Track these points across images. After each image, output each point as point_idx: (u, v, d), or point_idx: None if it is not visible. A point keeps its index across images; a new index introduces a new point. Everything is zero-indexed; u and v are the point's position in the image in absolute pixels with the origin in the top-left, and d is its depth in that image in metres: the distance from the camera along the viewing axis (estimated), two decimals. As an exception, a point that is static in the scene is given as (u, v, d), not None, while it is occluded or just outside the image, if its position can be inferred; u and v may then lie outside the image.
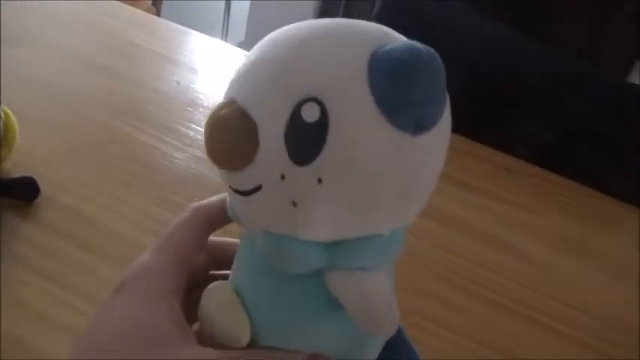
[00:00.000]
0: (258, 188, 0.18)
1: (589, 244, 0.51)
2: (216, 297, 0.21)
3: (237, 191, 0.19)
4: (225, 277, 0.23)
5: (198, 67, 0.66)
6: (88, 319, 0.33)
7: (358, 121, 0.17)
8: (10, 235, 0.38)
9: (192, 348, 0.19)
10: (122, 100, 0.56)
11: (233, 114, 0.18)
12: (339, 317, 0.19)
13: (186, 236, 0.22)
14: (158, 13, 2.05)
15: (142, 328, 0.20)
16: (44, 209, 0.40)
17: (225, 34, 2.23)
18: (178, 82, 0.61)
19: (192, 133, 0.53)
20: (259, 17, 1.74)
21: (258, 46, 0.20)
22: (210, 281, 0.22)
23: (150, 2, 2.04)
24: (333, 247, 0.19)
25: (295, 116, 0.17)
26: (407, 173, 0.18)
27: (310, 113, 0.17)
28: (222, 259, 0.24)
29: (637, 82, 0.72)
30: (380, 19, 0.77)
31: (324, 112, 0.17)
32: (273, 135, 0.17)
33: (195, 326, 0.22)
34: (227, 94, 0.19)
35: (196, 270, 0.23)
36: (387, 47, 0.17)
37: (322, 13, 1.61)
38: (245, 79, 0.19)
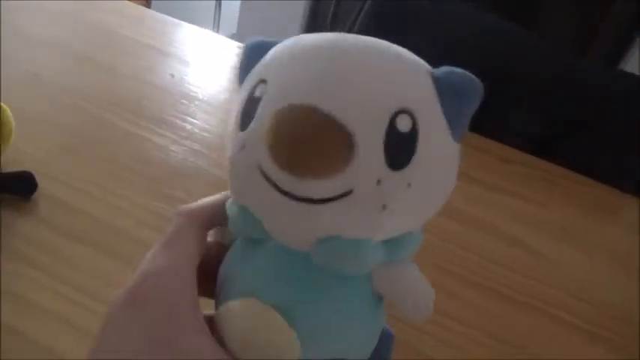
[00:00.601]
0: (345, 194, 0.18)
1: (588, 234, 0.51)
2: (255, 316, 0.20)
3: (307, 200, 0.18)
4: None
5: (191, 59, 0.66)
6: (87, 312, 0.33)
7: (438, 133, 0.20)
8: (8, 230, 0.37)
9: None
10: (116, 94, 0.56)
11: (327, 124, 0.18)
12: (371, 316, 0.22)
13: (191, 243, 0.22)
14: (148, 6, 2.03)
15: (168, 344, 0.19)
16: (42, 204, 0.40)
17: (216, 27, 2.22)
18: (172, 75, 0.61)
19: (188, 126, 0.53)
20: (251, 9, 1.73)
21: (309, 52, 0.20)
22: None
23: (140, -5, 2.02)
24: (386, 243, 0.20)
25: (392, 126, 0.18)
26: (455, 176, 0.21)
27: (404, 124, 0.19)
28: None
29: (629, 69, 0.72)
30: (368, 17, 0.78)
31: (414, 124, 0.19)
32: (373, 143, 0.18)
33: None
34: (297, 96, 0.19)
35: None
36: (443, 71, 0.20)
37: (312, 11, 1.60)
38: (327, 85, 0.19)
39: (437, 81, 0.20)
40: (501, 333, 0.39)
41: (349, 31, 0.81)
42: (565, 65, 0.70)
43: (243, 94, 0.21)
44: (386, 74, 0.19)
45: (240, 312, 0.21)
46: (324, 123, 0.18)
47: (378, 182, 0.18)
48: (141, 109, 0.54)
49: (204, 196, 0.24)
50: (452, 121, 0.20)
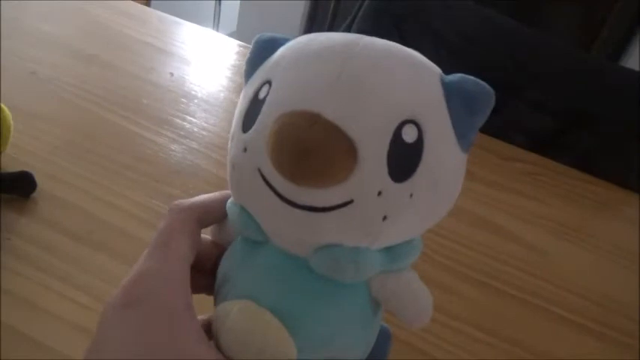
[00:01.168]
0: (345, 204, 0.18)
1: (588, 230, 0.51)
2: (252, 319, 0.20)
3: (307, 207, 0.18)
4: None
5: (192, 58, 0.66)
6: (87, 311, 0.33)
7: (446, 143, 0.19)
8: (8, 229, 0.38)
9: None
10: (117, 92, 0.56)
11: (330, 132, 0.18)
12: (369, 321, 0.22)
13: (185, 241, 0.22)
14: (148, 4, 2.03)
15: (164, 349, 0.19)
16: (41, 203, 0.40)
17: (216, 25, 2.21)
18: (172, 74, 0.61)
19: (187, 125, 0.53)
20: (251, 7, 1.73)
21: (316, 56, 0.19)
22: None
23: (140, -7, 2.01)
24: (386, 251, 0.20)
25: (397, 136, 0.18)
26: (459, 186, 0.21)
27: (410, 134, 0.18)
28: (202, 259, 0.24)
29: (631, 64, 0.72)
30: (367, 14, 0.78)
31: (420, 134, 0.18)
32: (376, 154, 0.18)
33: None
34: (301, 101, 0.18)
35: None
36: (455, 79, 0.20)
37: (312, 6, 1.60)
38: (333, 91, 0.18)
39: (447, 88, 0.19)
40: (507, 332, 0.39)
41: (348, 28, 0.81)
42: (568, 60, 0.70)
43: (247, 92, 0.21)
44: (394, 82, 0.19)
45: (236, 314, 0.20)
46: (327, 131, 0.17)
47: (379, 194, 0.18)
48: (141, 108, 0.54)
49: (202, 193, 0.24)
50: (460, 131, 0.19)
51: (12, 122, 0.42)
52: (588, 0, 0.71)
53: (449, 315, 0.39)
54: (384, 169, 0.18)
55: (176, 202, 0.23)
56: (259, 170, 0.19)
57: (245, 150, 0.20)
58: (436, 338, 0.37)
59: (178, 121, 0.54)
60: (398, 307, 0.21)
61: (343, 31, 0.85)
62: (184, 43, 0.69)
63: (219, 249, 0.24)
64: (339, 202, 0.18)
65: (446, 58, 0.72)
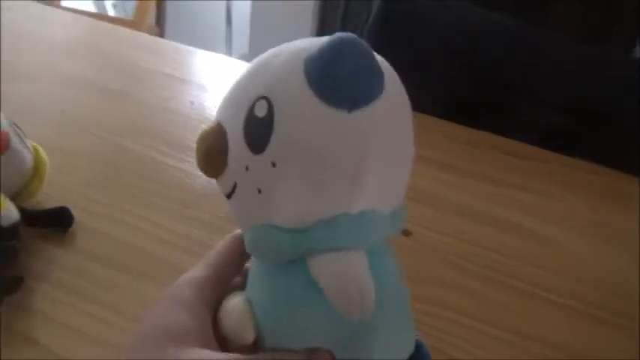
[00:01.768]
0: (235, 187, 0.22)
1: (600, 222, 0.52)
2: (228, 302, 0.24)
3: (226, 197, 0.23)
4: None
5: (208, 84, 0.68)
6: (125, 334, 0.35)
7: (297, 108, 0.20)
8: (49, 262, 0.40)
9: (204, 351, 0.21)
10: (141, 124, 0.58)
11: (210, 127, 0.22)
12: (330, 308, 0.20)
13: (224, 258, 0.25)
14: (162, 32, 2.09)
15: (169, 328, 0.22)
16: (79, 235, 0.43)
17: (229, 47, 2.26)
18: (192, 102, 0.63)
19: (209, 150, 0.55)
20: (261, 29, 1.77)
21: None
22: None
23: (153, 22, 2.08)
24: (307, 231, 0.20)
25: (250, 113, 0.20)
26: (352, 148, 0.19)
27: (260, 109, 0.20)
28: None
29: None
30: (379, 19, 0.79)
31: (270, 106, 0.20)
32: (237, 133, 0.21)
33: None
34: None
35: (234, 288, 0.25)
36: (320, 45, 0.20)
37: (321, 23, 1.63)
38: (223, 98, 0.23)
39: (306, 58, 0.20)
40: (525, 329, 0.39)
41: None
42: (574, 54, 0.71)
43: None
44: (255, 71, 0.22)
45: (223, 301, 0.24)
46: (211, 129, 0.22)
47: (247, 169, 0.21)
48: (164, 137, 0.57)
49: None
50: (319, 89, 0.19)
51: (47, 160, 0.45)
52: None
53: (464, 314, 0.40)
54: (244, 145, 0.21)
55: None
56: None
57: None
58: (453, 337, 0.38)
59: (200, 147, 0.56)
60: (323, 290, 0.20)
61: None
62: (200, 70, 0.72)
63: None
64: (231, 187, 0.22)
65: (451, 59, 0.73)
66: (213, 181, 0.50)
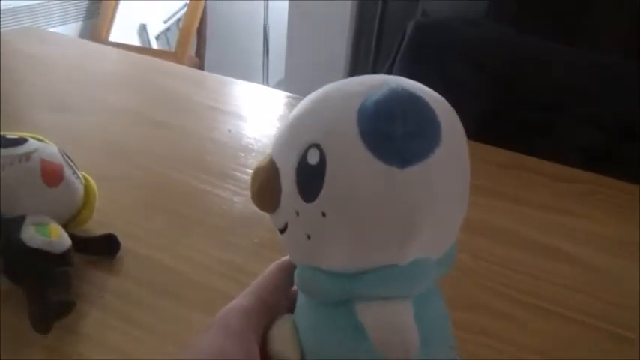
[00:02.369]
0: (286, 226, 0.22)
1: (636, 243, 0.50)
2: (275, 325, 0.24)
3: (279, 231, 0.23)
4: None
5: (246, 113, 0.71)
6: (170, 357, 0.37)
7: (349, 160, 0.19)
8: (100, 287, 0.42)
9: None
10: (183, 153, 0.61)
11: (264, 164, 0.23)
12: (374, 349, 0.21)
13: (270, 285, 0.26)
14: (202, 62, 2.17)
15: (217, 356, 0.23)
16: (125, 261, 0.45)
17: (265, 74, 2.32)
18: (230, 131, 0.66)
19: (247, 178, 0.57)
20: (296, 56, 1.81)
21: None
22: None
23: (193, 53, 2.16)
24: (355, 277, 0.21)
25: (302, 160, 0.21)
26: (402, 203, 0.19)
27: (312, 157, 0.20)
28: None
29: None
30: (413, 38, 0.80)
31: (322, 155, 0.20)
32: (289, 177, 0.21)
33: None
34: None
35: (281, 312, 0.26)
36: (374, 95, 0.20)
37: (355, 48, 1.66)
38: (277, 135, 0.23)
39: (360, 108, 0.20)
40: (572, 357, 0.38)
41: (390, 67, 0.84)
42: (610, 72, 0.69)
43: None
44: (309, 113, 0.21)
45: (272, 325, 0.24)
46: (266, 164, 0.22)
47: (297, 214, 0.21)
48: (204, 165, 0.59)
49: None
50: (371, 143, 0.19)
51: (96, 190, 0.47)
52: (626, 10, 0.71)
53: (503, 340, 0.39)
54: (295, 191, 0.21)
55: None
56: None
57: None
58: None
59: (238, 174, 0.58)
60: (370, 337, 0.20)
61: (387, 68, 0.88)
62: (238, 100, 0.74)
63: None
64: (282, 225, 0.22)
65: (486, 85, 0.73)
66: (250, 207, 0.51)
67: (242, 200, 0.53)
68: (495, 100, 0.75)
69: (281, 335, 0.24)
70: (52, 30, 2.00)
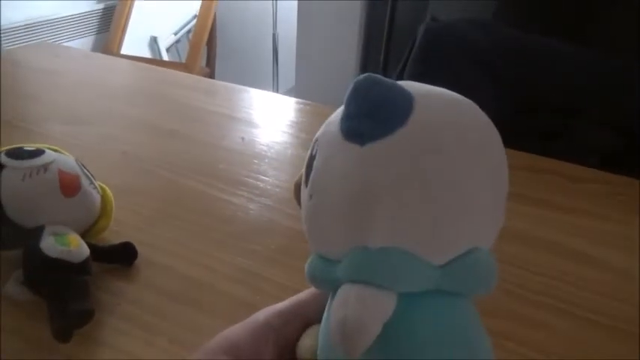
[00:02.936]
0: None
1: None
2: (305, 334, 0.24)
3: None
4: None
5: (258, 121, 0.71)
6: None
7: (327, 144, 0.21)
8: (117, 295, 0.42)
9: None
10: (195, 161, 0.61)
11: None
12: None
13: (307, 293, 0.26)
14: (212, 72, 2.18)
15: (227, 341, 0.24)
16: (142, 269, 0.45)
17: (276, 82, 2.34)
18: (243, 138, 0.66)
19: (261, 184, 0.57)
20: (306, 63, 1.82)
21: None
22: None
23: (204, 63, 2.18)
24: (336, 263, 0.21)
25: (310, 154, 0.22)
26: (361, 178, 0.19)
27: (313, 148, 0.22)
28: None
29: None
30: (424, 42, 0.80)
31: (316, 146, 0.22)
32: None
33: None
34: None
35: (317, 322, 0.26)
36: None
37: (364, 54, 1.66)
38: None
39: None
40: (590, 358, 0.38)
41: (401, 73, 0.84)
42: (624, 73, 0.69)
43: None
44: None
45: (304, 335, 0.25)
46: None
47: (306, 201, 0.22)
48: (218, 173, 0.59)
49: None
50: (341, 126, 0.21)
51: (113, 199, 0.48)
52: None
53: (527, 345, 0.39)
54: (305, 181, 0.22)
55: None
56: None
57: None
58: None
59: (252, 181, 0.58)
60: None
61: (397, 74, 0.88)
62: (250, 108, 0.75)
63: None
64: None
65: (496, 88, 0.73)
66: (264, 214, 0.52)
67: (257, 207, 0.54)
68: (508, 103, 0.75)
69: (305, 344, 0.24)
70: (65, 44, 2.03)
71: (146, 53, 2.24)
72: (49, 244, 0.38)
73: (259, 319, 0.25)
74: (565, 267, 0.46)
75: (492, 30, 0.80)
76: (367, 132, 0.20)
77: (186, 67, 1.97)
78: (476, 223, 0.20)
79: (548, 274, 0.46)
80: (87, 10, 2.17)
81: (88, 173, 0.45)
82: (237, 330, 0.24)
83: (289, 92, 2.18)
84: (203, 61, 2.17)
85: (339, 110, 0.22)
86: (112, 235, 0.48)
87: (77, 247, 0.39)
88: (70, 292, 0.38)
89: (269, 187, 0.57)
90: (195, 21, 2.12)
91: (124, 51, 2.11)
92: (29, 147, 0.42)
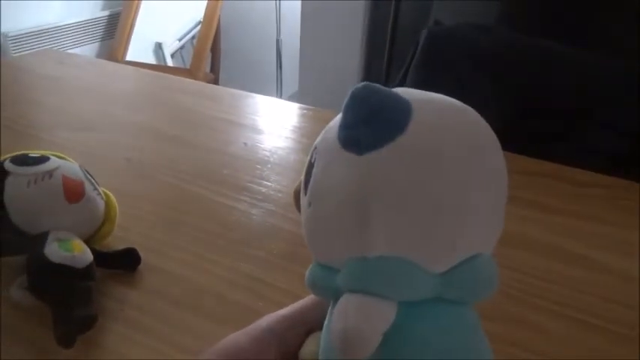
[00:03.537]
0: None
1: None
2: (308, 340, 0.24)
3: None
4: None
5: (261, 126, 0.71)
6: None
7: (325, 152, 0.21)
8: (120, 301, 0.42)
9: None
10: (199, 167, 0.62)
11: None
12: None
13: (310, 300, 0.26)
14: (217, 78, 2.19)
15: (226, 346, 0.24)
16: (146, 275, 0.45)
17: (279, 87, 2.34)
18: (246, 144, 0.66)
19: (264, 190, 0.57)
20: (309, 69, 1.83)
21: None
22: None
23: (208, 69, 2.19)
24: (336, 271, 0.20)
25: (309, 161, 0.22)
26: (358, 187, 0.19)
27: (312, 156, 0.22)
28: None
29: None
30: (426, 47, 0.80)
31: (315, 154, 0.22)
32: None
33: None
34: None
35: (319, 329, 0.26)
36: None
37: (368, 59, 1.66)
38: None
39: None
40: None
41: (403, 78, 0.85)
42: (632, 75, 0.69)
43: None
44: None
45: (306, 341, 0.25)
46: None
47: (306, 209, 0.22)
48: (221, 179, 0.59)
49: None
50: (339, 136, 0.21)
51: (117, 205, 0.48)
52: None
53: (530, 350, 0.38)
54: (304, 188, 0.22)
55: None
56: None
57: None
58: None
59: (255, 186, 0.58)
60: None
61: (400, 78, 0.88)
62: (253, 113, 0.75)
63: None
64: None
65: (499, 91, 0.73)
66: (267, 219, 0.52)
67: (260, 212, 0.54)
68: (512, 107, 0.75)
69: (308, 350, 0.24)
70: (70, 51, 2.05)
71: (151, 59, 2.25)
72: (53, 250, 0.38)
73: (262, 325, 0.25)
74: (565, 270, 0.46)
75: (495, 33, 0.80)
76: (365, 141, 0.20)
77: (190, 72, 1.98)
78: (476, 231, 0.20)
79: (548, 278, 0.45)
80: (92, 17, 2.19)
81: (91, 179, 0.46)
82: (239, 336, 0.24)
83: (293, 97, 2.18)
84: (207, 67, 2.18)
85: (338, 117, 0.22)
86: (116, 240, 0.48)
87: (81, 253, 0.39)
88: (73, 297, 0.38)
89: (272, 193, 0.57)
90: (199, 27, 2.14)
91: (129, 57, 2.13)
92: (34, 154, 0.43)
